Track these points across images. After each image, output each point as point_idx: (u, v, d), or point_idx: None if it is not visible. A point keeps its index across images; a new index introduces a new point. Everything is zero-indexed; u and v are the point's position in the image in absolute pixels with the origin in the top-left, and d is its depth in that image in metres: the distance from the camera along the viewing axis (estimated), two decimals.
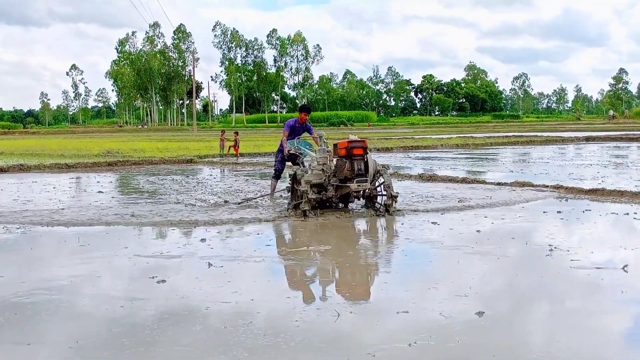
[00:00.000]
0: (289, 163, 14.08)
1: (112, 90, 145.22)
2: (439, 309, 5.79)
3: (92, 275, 7.33)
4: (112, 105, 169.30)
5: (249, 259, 8.09)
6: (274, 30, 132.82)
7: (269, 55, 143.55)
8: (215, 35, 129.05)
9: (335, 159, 11.53)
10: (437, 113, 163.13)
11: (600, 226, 10.23)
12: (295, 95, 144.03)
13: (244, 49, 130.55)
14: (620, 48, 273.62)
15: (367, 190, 11.25)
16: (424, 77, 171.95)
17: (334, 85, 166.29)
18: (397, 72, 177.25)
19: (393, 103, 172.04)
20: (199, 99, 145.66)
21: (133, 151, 32.57)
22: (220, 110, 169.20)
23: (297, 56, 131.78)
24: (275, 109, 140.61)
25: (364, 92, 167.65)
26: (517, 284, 6.80)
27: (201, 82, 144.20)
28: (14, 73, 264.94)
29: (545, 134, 48.30)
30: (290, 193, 12.08)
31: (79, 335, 5.28)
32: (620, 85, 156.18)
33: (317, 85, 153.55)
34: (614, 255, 8.03)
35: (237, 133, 32.85)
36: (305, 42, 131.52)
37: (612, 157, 26.07)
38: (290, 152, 13.38)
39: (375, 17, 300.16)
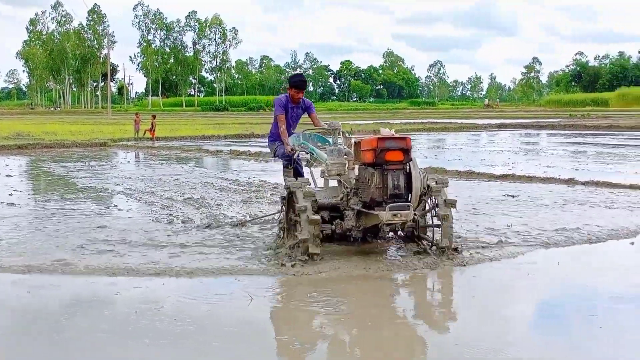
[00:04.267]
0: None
1: (23, 71, 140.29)
2: None
3: None
4: (23, 87, 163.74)
5: None
6: (194, 12, 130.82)
7: (188, 37, 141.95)
8: (135, 16, 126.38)
9: (356, 167, 7.33)
10: (355, 99, 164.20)
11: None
12: (212, 79, 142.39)
13: (164, 31, 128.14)
14: (532, 37, 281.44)
15: (408, 223, 6.75)
16: (342, 63, 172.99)
17: (252, 70, 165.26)
18: (315, 58, 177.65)
19: (312, 89, 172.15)
20: (115, 82, 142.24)
21: (44, 134, 31.68)
22: (137, 93, 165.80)
23: (215, 39, 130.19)
24: (192, 93, 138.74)
25: (283, 77, 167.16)
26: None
27: (117, 65, 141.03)
28: None
29: (459, 121, 49.29)
30: (283, 219, 7.85)
31: None
32: (532, 74, 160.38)
33: (234, 70, 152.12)
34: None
35: (154, 117, 32.34)
36: (223, 25, 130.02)
37: (523, 144, 26.86)
38: (294, 151, 8.70)
39: (292, 1, 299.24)
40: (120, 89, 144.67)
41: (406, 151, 6.56)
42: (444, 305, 6.09)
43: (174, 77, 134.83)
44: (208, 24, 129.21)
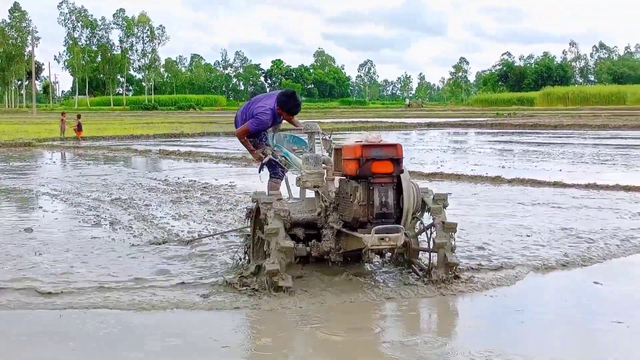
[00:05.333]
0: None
1: None
2: None
3: None
4: None
5: None
6: (121, 10, 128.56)
7: (115, 35, 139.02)
8: (61, 13, 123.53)
9: (336, 179, 6.14)
10: None
11: None
12: (141, 78, 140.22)
13: (90, 28, 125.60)
14: (460, 37, 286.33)
15: (397, 248, 5.70)
16: (273, 62, 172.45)
17: (182, 68, 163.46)
18: (246, 57, 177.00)
19: (243, 87, 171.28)
20: (40, 80, 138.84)
21: None
22: (63, 92, 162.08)
23: (143, 37, 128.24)
24: (120, 92, 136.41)
25: (213, 76, 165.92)
26: None
27: (42, 63, 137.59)
28: None
29: (389, 120, 49.77)
30: (248, 239, 6.60)
31: None
32: (460, 74, 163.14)
33: (164, 69, 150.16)
34: None
35: (79, 116, 31.69)
36: (151, 23, 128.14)
37: (452, 143, 27.32)
38: (267, 157, 7.57)
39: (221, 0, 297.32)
40: (46, 88, 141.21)
41: (396, 161, 5.46)
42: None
43: (101, 75, 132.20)
44: (135, 22, 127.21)
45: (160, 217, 9.61)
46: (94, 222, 9.30)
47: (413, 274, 6.21)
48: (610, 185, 12.19)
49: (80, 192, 12.47)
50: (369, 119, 52.29)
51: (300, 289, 5.74)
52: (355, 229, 5.54)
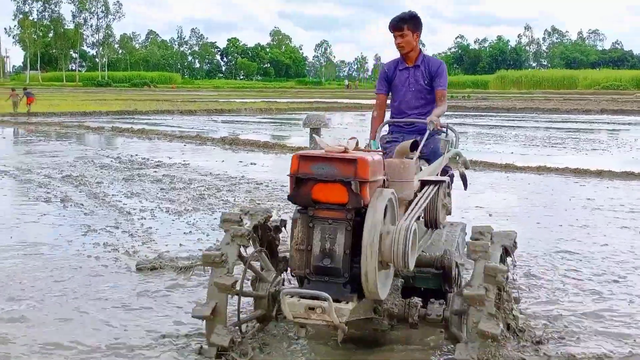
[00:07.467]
0: None
1: None
2: None
3: None
4: None
5: None
6: None
7: (66, 10, 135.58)
8: None
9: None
10: (242, 77, 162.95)
11: None
12: (95, 54, 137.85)
13: (42, 2, 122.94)
14: None
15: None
16: (229, 40, 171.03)
17: (137, 45, 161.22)
18: (202, 34, 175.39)
19: (198, 65, 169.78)
20: None
21: None
22: (14, 67, 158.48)
23: (97, 13, 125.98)
24: (73, 68, 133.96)
25: (168, 53, 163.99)
26: None
27: None
28: None
29: (346, 101, 49.79)
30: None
31: None
32: None
33: (118, 45, 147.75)
34: None
35: (25, 89, 31.40)
36: None
37: None
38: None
39: None
40: None
41: (357, 185, 3.31)
42: None
43: (53, 50, 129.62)
44: None
45: (112, 194, 9.47)
46: (44, 198, 9.15)
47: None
48: (560, 168, 12.39)
49: (30, 168, 12.24)
50: (325, 100, 52.26)
51: None
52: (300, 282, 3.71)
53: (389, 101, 5.81)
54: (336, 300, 3.27)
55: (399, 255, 3.29)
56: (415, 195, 4.05)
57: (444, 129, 5.24)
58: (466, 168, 5.22)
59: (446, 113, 5.32)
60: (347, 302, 3.31)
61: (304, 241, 3.45)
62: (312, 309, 3.24)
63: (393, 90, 5.65)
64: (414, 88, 5.54)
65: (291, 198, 3.45)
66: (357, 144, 3.58)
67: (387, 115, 5.79)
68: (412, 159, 4.10)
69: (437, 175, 4.65)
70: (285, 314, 3.36)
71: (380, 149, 4.92)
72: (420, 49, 5.60)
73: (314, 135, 4.73)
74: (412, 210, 3.72)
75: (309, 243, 3.43)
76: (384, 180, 3.61)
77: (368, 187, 3.33)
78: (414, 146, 4.05)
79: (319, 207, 3.39)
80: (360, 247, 3.31)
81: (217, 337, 3.74)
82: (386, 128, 5.56)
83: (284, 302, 3.29)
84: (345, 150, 3.40)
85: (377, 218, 3.30)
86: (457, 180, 5.37)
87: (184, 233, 7.13)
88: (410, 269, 3.47)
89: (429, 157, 5.12)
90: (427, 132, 5.03)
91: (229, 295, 3.81)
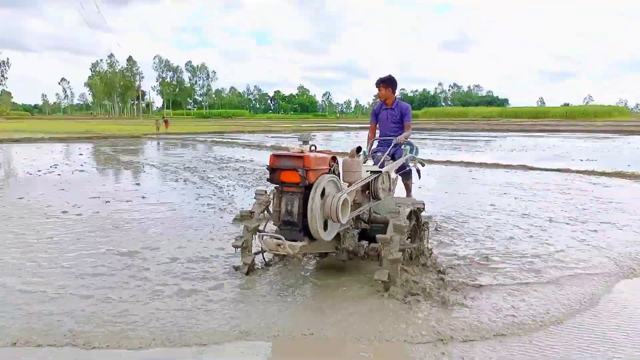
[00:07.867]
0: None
1: (89, 94, 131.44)
2: None
3: None
4: (90, 103, 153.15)
5: None
6: (189, 62, 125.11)
7: (185, 76, 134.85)
8: (154, 62, 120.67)
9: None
10: (282, 112, 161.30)
11: None
12: (201, 100, 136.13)
13: (172, 72, 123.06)
14: (374, 80, 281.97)
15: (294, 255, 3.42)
16: (275, 92, 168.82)
17: (224, 94, 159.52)
18: (260, 88, 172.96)
19: (258, 106, 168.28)
20: (144, 101, 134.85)
21: (102, 130, 29.83)
22: (157, 107, 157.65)
23: (202, 77, 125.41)
24: (190, 108, 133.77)
25: (241, 99, 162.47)
26: None
27: (145, 91, 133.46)
28: (22, 80, 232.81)
29: (336, 125, 49.14)
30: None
31: None
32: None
33: (214, 95, 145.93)
34: None
35: (164, 118, 31.22)
36: (207, 69, 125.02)
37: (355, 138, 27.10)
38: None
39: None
40: (148, 105, 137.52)
41: (306, 172, 3.24)
42: None
43: (178, 98, 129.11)
44: (198, 68, 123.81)
45: (212, 177, 9.32)
46: (174, 179, 9.08)
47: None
48: (458, 161, 12.20)
49: (166, 163, 12.14)
50: (328, 124, 51.89)
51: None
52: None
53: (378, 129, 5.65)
54: (294, 240, 3.26)
55: (332, 212, 3.27)
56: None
57: (407, 144, 5.05)
58: (422, 166, 5.04)
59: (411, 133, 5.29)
60: (300, 242, 3.25)
61: (277, 205, 3.38)
62: (279, 245, 3.23)
63: (379, 122, 5.54)
64: (391, 121, 5.44)
65: (270, 180, 3.36)
66: (311, 148, 3.45)
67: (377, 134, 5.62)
68: (359, 158, 3.88)
69: (394, 170, 4.53)
70: (264, 247, 3.34)
71: (367, 154, 4.80)
72: (395, 97, 5.45)
73: (302, 143, 4.58)
74: (349, 187, 3.62)
75: (279, 206, 3.36)
76: (330, 169, 3.47)
77: (312, 173, 3.26)
78: (358, 150, 3.82)
79: (284, 185, 3.32)
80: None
81: (246, 258, 3.79)
82: (375, 143, 5.45)
83: (263, 241, 3.30)
84: (302, 152, 3.36)
85: (317, 192, 3.24)
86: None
87: (251, 199, 7.00)
88: (343, 222, 3.37)
89: (395, 159, 4.99)
90: (392, 144, 4.98)
91: (253, 235, 3.83)
